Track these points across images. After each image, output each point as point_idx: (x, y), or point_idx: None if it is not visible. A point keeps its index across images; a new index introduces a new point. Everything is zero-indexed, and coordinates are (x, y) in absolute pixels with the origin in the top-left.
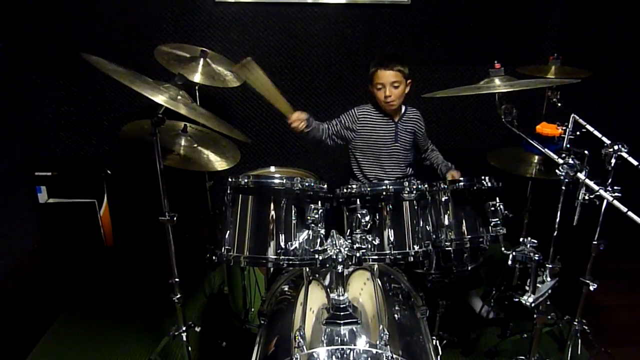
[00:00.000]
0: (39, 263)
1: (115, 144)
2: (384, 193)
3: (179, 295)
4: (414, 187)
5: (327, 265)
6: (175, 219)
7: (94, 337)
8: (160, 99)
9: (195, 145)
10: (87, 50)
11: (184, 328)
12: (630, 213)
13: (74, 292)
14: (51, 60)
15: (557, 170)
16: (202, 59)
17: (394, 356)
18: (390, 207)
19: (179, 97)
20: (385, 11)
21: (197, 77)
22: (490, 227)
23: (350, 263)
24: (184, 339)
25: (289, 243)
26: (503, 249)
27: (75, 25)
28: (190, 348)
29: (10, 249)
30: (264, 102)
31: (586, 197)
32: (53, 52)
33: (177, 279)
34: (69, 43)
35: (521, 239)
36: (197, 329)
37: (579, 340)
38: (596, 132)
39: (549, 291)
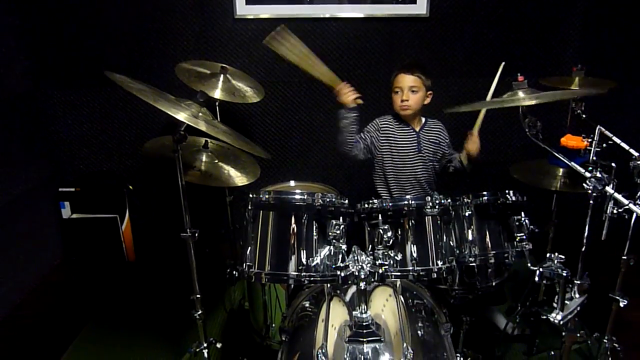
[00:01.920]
0: (62, 278)
1: (137, 160)
2: (406, 208)
3: (200, 312)
4: (437, 202)
5: (349, 281)
6: (197, 235)
7: (116, 352)
8: (182, 116)
9: (216, 161)
10: (110, 68)
11: (205, 344)
12: None
13: (96, 307)
14: (74, 77)
15: (584, 184)
16: (222, 75)
17: None
18: (413, 222)
19: (200, 114)
20: (403, 24)
21: (217, 93)
22: (515, 242)
23: (372, 280)
24: (205, 355)
25: (310, 259)
26: (529, 264)
27: (99, 43)
28: None
29: (35, 264)
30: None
31: (615, 211)
32: (76, 69)
33: (198, 295)
34: (92, 61)
35: (548, 255)
36: (218, 345)
37: (609, 359)
38: (623, 144)
39: (578, 308)
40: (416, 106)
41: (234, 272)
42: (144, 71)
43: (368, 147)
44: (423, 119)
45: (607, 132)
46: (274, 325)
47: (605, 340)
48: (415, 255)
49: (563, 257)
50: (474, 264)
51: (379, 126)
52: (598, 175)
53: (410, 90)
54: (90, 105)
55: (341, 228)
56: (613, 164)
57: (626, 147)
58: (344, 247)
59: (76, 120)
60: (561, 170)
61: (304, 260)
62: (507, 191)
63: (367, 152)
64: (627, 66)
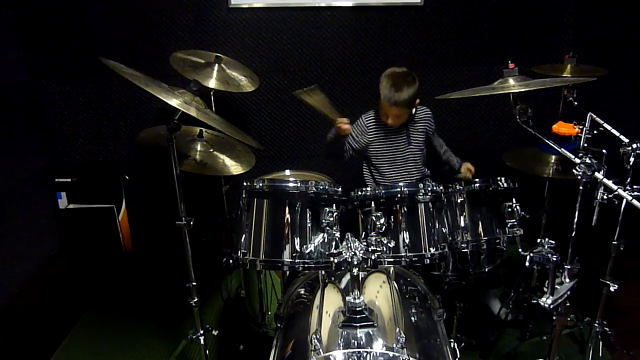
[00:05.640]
0: (59, 268)
1: (133, 150)
2: (399, 195)
3: (196, 299)
4: (429, 188)
5: (343, 268)
6: (191, 223)
7: (113, 340)
8: (174, 102)
9: (211, 150)
10: (104, 57)
11: (201, 331)
12: None
13: (93, 296)
14: (70, 68)
15: (574, 170)
16: (216, 65)
17: (411, 359)
18: (405, 209)
19: (194, 103)
20: (397, 13)
21: (212, 83)
22: (507, 228)
23: (365, 266)
24: (202, 342)
25: (305, 246)
26: (520, 250)
27: (94, 34)
28: (207, 351)
29: (32, 254)
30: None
31: (605, 197)
32: (72, 60)
33: (194, 283)
34: (87, 51)
35: (539, 240)
36: (215, 333)
37: (600, 342)
38: (614, 131)
39: (568, 293)
40: (403, 121)
41: (230, 261)
42: (139, 60)
43: (353, 149)
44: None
45: (598, 119)
46: (269, 312)
47: (596, 325)
48: (408, 241)
49: (553, 242)
50: (466, 250)
51: (365, 126)
52: (588, 161)
53: (395, 116)
54: (85, 95)
55: (335, 215)
56: (604, 151)
57: (617, 133)
58: (337, 234)
59: (72, 111)
60: (553, 157)
61: (298, 247)
62: (498, 178)
63: (354, 153)
64: (619, 54)
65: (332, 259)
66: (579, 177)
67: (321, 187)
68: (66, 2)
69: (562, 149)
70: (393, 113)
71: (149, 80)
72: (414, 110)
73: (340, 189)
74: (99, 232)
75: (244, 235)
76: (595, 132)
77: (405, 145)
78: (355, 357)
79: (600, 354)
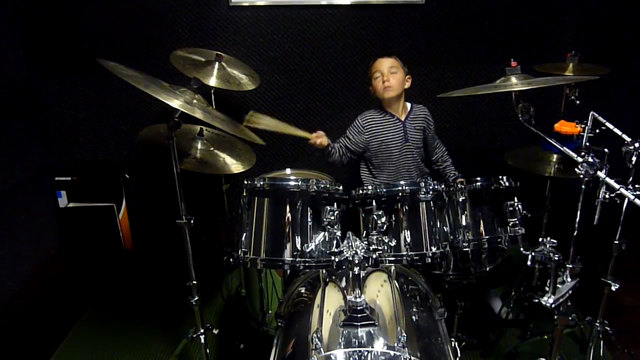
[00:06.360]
0: (59, 267)
1: (133, 149)
2: (400, 194)
3: (196, 298)
4: (431, 187)
5: (344, 267)
6: (192, 222)
7: (113, 339)
8: (175, 103)
9: (212, 149)
10: (105, 56)
11: (202, 330)
12: None
13: (94, 295)
14: (70, 66)
15: (576, 169)
16: (217, 63)
17: (412, 358)
18: (407, 208)
19: (195, 101)
20: (399, 11)
21: (212, 81)
22: (508, 227)
23: (366, 265)
24: (202, 341)
25: (305, 245)
26: (522, 249)
27: (94, 32)
28: (208, 350)
29: (32, 253)
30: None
31: (607, 196)
32: (72, 58)
33: (194, 282)
34: (87, 49)
35: (540, 239)
36: (215, 331)
37: (601, 342)
38: (616, 130)
39: (570, 292)
40: (398, 87)
41: (230, 260)
42: (139, 59)
43: (350, 151)
44: (408, 106)
45: (600, 118)
46: (270, 311)
47: (597, 324)
48: (409, 240)
49: (555, 241)
50: (467, 249)
51: (362, 126)
52: (590, 160)
53: (389, 71)
54: (85, 93)
55: (335, 214)
56: (606, 150)
57: (619, 132)
58: (338, 233)
59: (72, 109)
60: (555, 156)
61: (298, 246)
62: (500, 177)
63: (351, 155)
64: (621, 52)
65: (333, 257)
66: (581, 176)
67: (322, 186)
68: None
69: (564, 148)
70: (386, 65)
71: (149, 81)
72: (409, 107)
73: (341, 187)
74: (99, 231)
75: (244, 234)
76: (597, 131)
77: (403, 142)
78: (356, 356)
79: (601, 353)
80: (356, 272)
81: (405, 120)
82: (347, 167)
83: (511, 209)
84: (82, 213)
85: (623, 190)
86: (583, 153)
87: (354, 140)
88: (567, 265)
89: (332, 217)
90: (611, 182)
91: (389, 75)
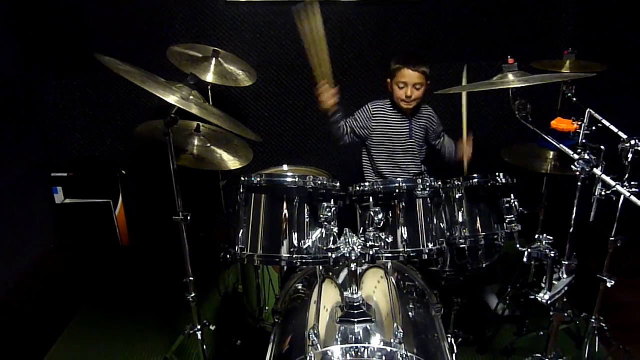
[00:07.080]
0: (56, 263)
1: (129, 145)
2: (397, 191)
3: (193, 294)
4: (428, 184)
5: (341, 263)
6: (189, 218)
7: (110, 335)
8: (172, 99)
9: (209, 145)
10: (101, 52)
11: (199, 327)
12: None
13: (90, 292)
14: (66, 62)
15: (572, 166)
16: (214, 59)
17: (409, 354)
18: (404, 204)
19: (191, 97)
20: (397, 8)
21: (209, 77)
22: (505, 224)
23: (363, 261)
24: (199, 337)
25: (302, 242)
26: (518, 246)
27: (90, 27)
28: (205, 347)
29: (28, 249)
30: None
31: (603, 193)
32: (68, 54)
33: (191, 278)
34: (83, 45)
35: (537, 236)
36: (212, 328)
37: (597, 338)
38: (612, 127)
39: (566, 288)
40: (418, 101)
41: (227, 256)
42: (136, 55)
43: (354, 133)
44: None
45: (597, 115)
46: (267, 308)
47: (592, 320)
48: (406, 237)
49: (551, 238)
50: (464, 246)
51: (371, 113)
52: (586, 157)
53: (414, 87)
54: (81, 89)
55: (333, 211)
56: (602, 147)
57: (615, 130)
58: (335, 229)
59: (68, 105)
60: (552, 153)
61: (295, 242)
62: (497, 174)
63: (355, 137)
64: (618, 50)
65: (330, 254)
66: (577, 173)
67: (319, 182)
68: None
69: (561, 145)
70: (413, 80)
71: (146, 76)
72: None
73: (338, 184)
74: (96, 227)
75: (241, 231)
76: (593, 128)
77: (407, 139)
78: (353, 353)
79: (597, 350)
80: (353, 269)
81: (412, 119)
82: (345, 164)
83: (508, 205)
84: (78, 209)
85: (619, 188)
86: (579, 150)
87: (361, 124)
88: (563, 262)
89: (329, 214)
90: (607, 179)
91: (413, 90)
